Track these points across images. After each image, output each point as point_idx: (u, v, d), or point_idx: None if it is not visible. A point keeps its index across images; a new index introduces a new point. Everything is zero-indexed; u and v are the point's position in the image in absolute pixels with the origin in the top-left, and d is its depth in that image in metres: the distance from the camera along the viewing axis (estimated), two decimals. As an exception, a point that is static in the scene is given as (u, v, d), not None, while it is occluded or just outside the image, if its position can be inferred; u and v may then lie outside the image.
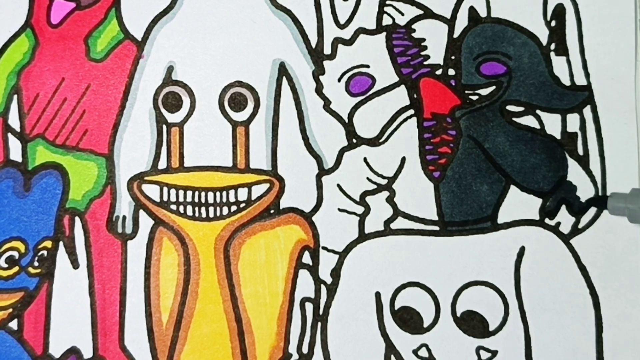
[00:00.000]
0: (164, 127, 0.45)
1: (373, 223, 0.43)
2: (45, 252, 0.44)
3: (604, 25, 0.43)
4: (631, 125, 0.42)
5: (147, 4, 0.46)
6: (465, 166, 0.43)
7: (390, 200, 0.43)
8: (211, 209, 0.44)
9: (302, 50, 0.45)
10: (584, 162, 0.42)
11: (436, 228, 0.43)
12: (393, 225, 0.43)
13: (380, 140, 0.44)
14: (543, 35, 0.43)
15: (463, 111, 0.43)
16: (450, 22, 0.44)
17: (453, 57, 0.44)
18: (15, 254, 0.44)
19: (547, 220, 0.42)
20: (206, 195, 0.44)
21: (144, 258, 0.44)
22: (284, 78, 0.45)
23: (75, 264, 0.44)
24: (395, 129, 0.44)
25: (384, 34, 0.44)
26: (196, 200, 0.44)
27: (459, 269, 0.42)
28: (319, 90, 0.44)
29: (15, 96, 0.45)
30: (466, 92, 0.43)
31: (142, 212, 0.44)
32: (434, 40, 0.44)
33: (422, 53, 0.44)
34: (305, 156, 0.44)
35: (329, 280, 0.43)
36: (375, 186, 0.43)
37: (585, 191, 0.42)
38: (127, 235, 0.44)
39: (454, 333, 0.42)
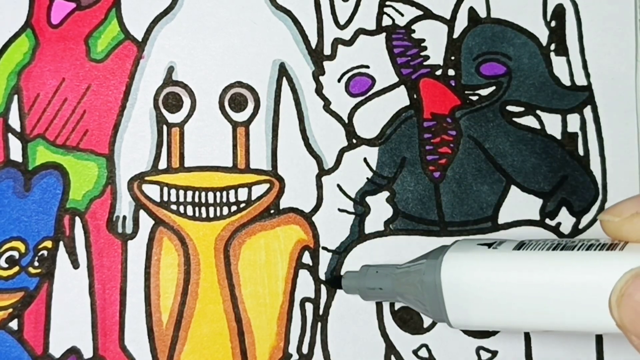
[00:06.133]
0: (165, 127, 0.45)
1: (373, 223, 0.43)
2: (45, 252, 0.44)
3: (604, 25, 0.43)
4: (631, 125, 0.42)
5: (147, 5, 0.46)
6: (465, 166, 0.43)
7: (390, 200, 0.43)
8: (211, 209, 0.44)
9: (302, 51, 0.45)
10: (584, 162, 0.42)
11: (436, 228, 0.43)
12: (393, 226, 0.43)
13: (380, 141, 0.44)
14: (543, 35, 0.43)
15: (463, 111, 0.43)
16: (450, 22, 0.44)
17: (453, 58, 0.44)
18: (16, 254, 0.44)
19: (547, 221, 0.42)
20: (206, 195, 0.44)
21: (144, 258, 0.44)
22: (284, 78, 0.45)
23: (75, 264, 0.44)
24: (395, 129, 0.44)
25: (384, 34, 0.44)
26: (196, 200, 0.44)
27: (459, 269, 0.42)
28: (319, 90, 0.44)
29: (16, 96, 0.45)
30: (466, 92, 0.43)
31: (142, 212, 0.44)
32: (434, 41, 0.44)
33: (422, 53, 0.44)
34: (305, 156, 0.44)
35: (329, 280, 0.43)
36: (375, 186, 0.43)
37: (585, 191, 0.42)
38: (127, 235, 0.44)
39: (454, 333, 0.42)
